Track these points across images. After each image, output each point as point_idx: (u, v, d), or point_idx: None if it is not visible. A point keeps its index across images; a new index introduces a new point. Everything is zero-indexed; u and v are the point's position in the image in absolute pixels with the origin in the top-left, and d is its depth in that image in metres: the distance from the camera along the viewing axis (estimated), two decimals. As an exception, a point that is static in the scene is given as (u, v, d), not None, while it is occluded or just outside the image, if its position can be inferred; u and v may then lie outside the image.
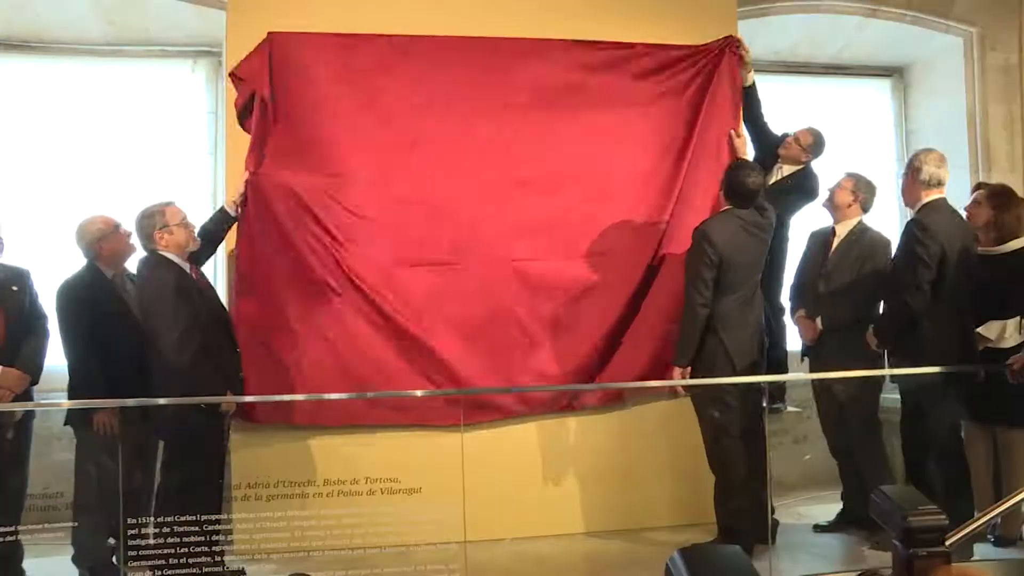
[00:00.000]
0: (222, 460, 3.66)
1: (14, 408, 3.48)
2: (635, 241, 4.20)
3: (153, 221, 3.50)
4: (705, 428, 3.81)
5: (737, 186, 3.77)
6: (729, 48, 4.34)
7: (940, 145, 5.26)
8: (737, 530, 3.58)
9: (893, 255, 3.84)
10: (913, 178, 3.70)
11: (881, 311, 3.89)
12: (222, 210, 3.89)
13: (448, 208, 4.05)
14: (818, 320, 4.00)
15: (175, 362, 3.35)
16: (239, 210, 3.85)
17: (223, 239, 3.93)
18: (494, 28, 4.24)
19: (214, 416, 3.48)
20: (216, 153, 4.97)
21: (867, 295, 3.90)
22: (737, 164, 4.00)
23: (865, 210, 4.10)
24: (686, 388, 3.87)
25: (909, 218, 3.76)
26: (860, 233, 4.03)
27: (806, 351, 4.16)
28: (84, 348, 3.57)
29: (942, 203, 3.69)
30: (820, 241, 4.14)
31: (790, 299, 4.28)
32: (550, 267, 4.13)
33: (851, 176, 4.12)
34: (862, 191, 4.06)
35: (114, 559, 3.58)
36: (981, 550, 3.47)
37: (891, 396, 4.14)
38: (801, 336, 4.15)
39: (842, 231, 4.05)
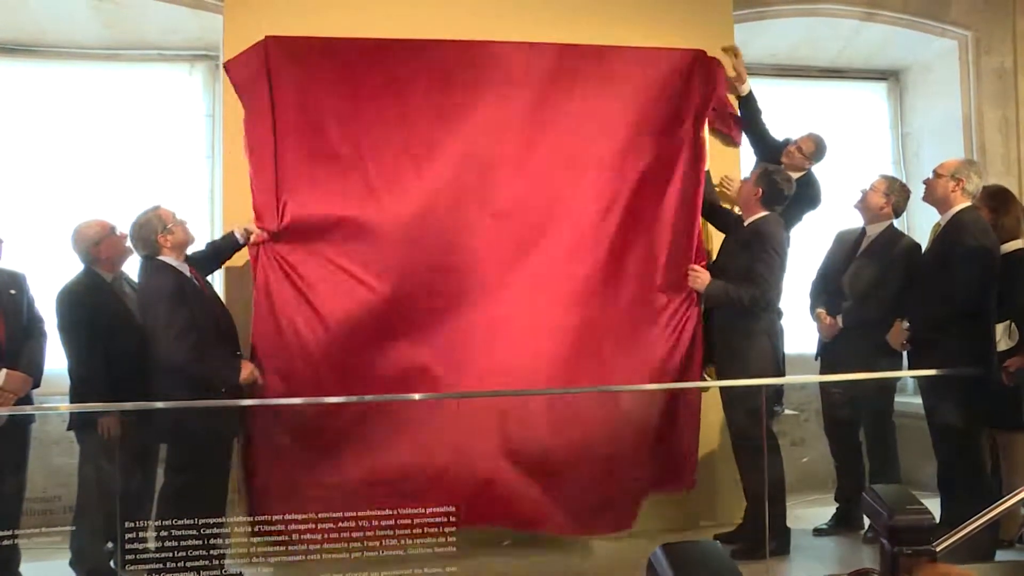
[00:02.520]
0: (224, 463, 3.63)
1: (15, 412, 3.48)
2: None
3: (153, 227, 3.51)
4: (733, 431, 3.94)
5: (778, 192, 3.91)
6: (700, 63, 4.23)
7: (936, 149, 5.36)
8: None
9: (951, 252, 3.68)
10: (958, 187, 3.69)
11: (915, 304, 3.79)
12: (231, 235, 3.83)
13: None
14: (838, 318, 4.01)
15: (169, 366, 3.39)
16: (248, 238, 3.79)
17: (229, 258, 3.90)
18: (491, 31, 4.24)
19: (214, 419, 3.46)
20: (214, 156, 4.98)
21: (893, 297, 3.88)
22: (776, 168, 4.07)
23: (897, 213, 4.11)
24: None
25: (950, 217, 3.73)
26: (891, 236, 4.04)
27: (820, 351, 4.17)
28: (86, 352, 3.57)
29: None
30: (848, 241, 4.16)
31: (810, 295, 4.25)
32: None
33: (885, 178, 4.13)
34: (895, 194, 4.06)
35: (111, 563, 3.60)
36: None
37: (902, 400, 4.18)
38: (820, 334, 4.14)
39: (873, 232, 4.06)
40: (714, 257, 4.23)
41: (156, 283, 3.49)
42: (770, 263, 3.82)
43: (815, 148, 4.46)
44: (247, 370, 3.55)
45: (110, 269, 3.72)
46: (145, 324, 3.50)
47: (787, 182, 3.98)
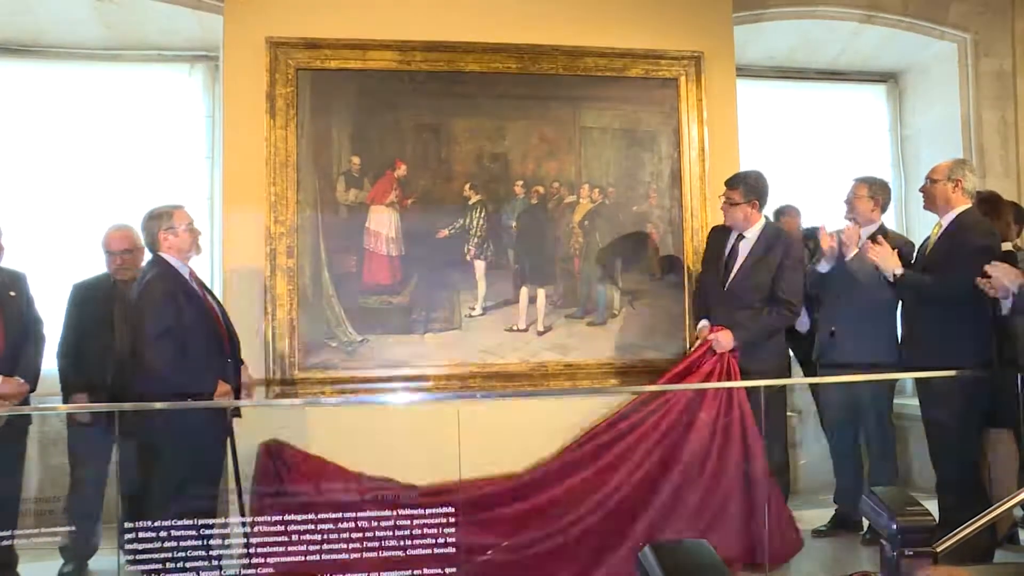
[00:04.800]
0: (215, 465, 3.56)
1: (14, 413, 3.49)
2: None
3: (160, 222, 3.48)
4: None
5: (765, 192, 3.96)
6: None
7: (935, 151, 5.36)
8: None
9: (956, 253, 3.64)
10: (957, 187, 3.69)
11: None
12: None
13: None
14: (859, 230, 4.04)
15: (149, 361, 3.33)
16: None
17: None
18: (492, 34, 4.26)
19: (201, 419, 3.37)
20: (213, 157, 4.98)
21: (888, 298, 3.91)
22: (747, 174, 4.04)
23: (883, 209, 4.11)
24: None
25: (952, 218, 3.72)
26: (883, 236, 4.02)
27: (820, 355, 4.18)
28: (69, 346, 3.81)
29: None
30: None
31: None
32: None
33: (863, 181, 4.12)
34: (879, 192, 4.07)
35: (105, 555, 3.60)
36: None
37: (900, 401, 4.18)
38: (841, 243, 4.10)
39: (867, 235, 4.05)
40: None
41: (149, 277, 3.44)
42: (795, 271, 3.87)
43: (793, 217, 4.65)
44: (223, 389, 3.42)
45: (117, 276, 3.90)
46: (133, 316, 3.49)
47: (762, 178, 3.99)
